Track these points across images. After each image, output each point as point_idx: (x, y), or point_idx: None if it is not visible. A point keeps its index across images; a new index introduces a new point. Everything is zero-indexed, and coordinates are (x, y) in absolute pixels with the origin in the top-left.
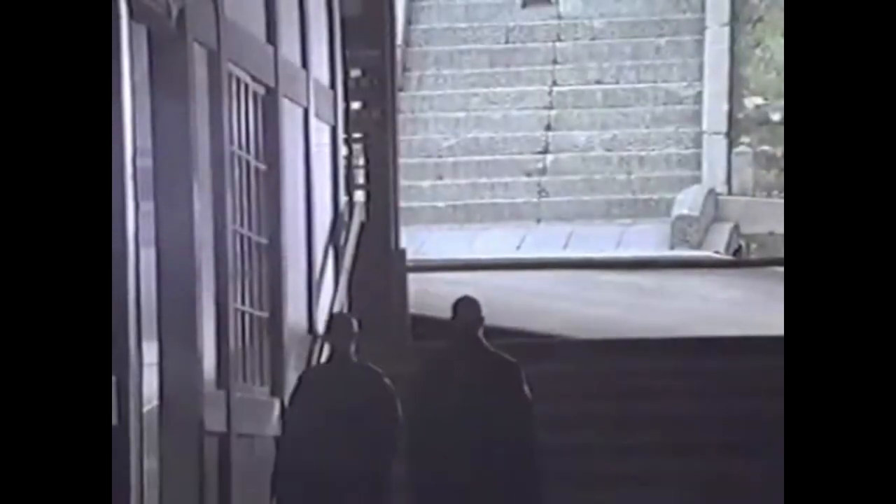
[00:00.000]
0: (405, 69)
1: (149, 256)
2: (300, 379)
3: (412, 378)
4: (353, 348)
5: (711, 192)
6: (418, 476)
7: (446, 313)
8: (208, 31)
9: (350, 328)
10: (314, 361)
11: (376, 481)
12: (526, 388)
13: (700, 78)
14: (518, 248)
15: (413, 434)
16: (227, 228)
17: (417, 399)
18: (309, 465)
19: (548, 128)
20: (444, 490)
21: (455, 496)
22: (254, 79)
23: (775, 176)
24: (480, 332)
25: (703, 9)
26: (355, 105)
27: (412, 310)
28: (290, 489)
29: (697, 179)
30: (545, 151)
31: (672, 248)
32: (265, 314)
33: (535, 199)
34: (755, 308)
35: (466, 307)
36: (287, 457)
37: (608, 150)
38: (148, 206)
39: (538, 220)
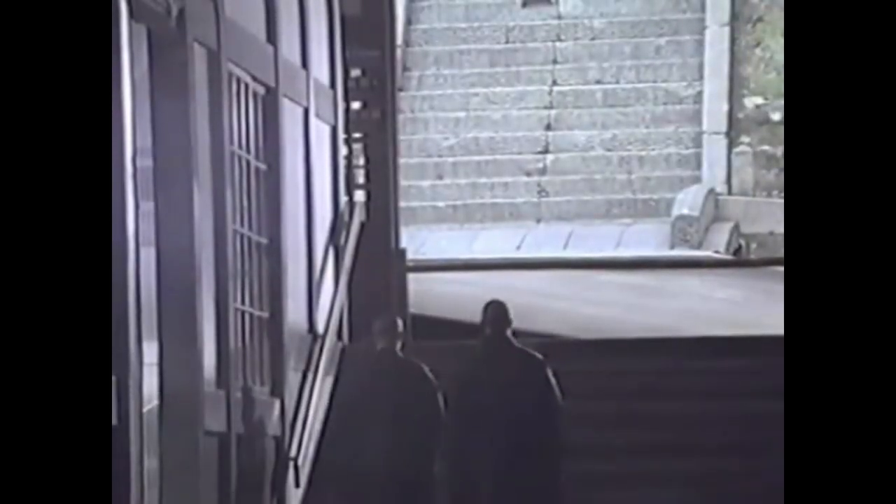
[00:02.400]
0: (405, 69)
1: (149, 256)
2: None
3: (447, 377)
4: (398, 345)
5: (711, 191)
6: (452, 469)
7: (446, 313)
8: (208, 31)
9: (396, 327)
10: (314, 361)
11: (422, 472)
12: (554, 384)
13: (700, 78)
14: (518, 248)
15: (448, 430)
16: (227, 228)
17: (451, 397)
18: (355, 458)
19: (548, 127)
20: (476, 483)
21: (486, 489)
22: (254, 79)
23: (775, 176)
24: (509, 332)
25: (703, 9)
26: (355, 105)
27: (412, 310)
28: (334, 479)
29: (697, 179)
30: (545, 151)
31: (672, 247)
32: (265, 314)
33: (535, 199)
34: (755, 308)
35: (496, 309)
36: (333, 448)
37: (608, 149)
38: (148, 206)
39: (538, 220)
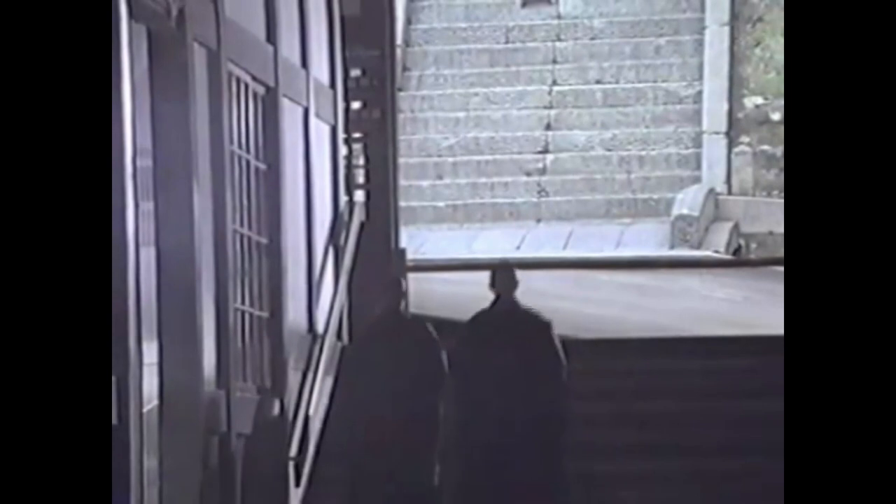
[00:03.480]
0: (405, 69)
1: (149, 256)
2: (359, 334)
3: (457, 335)
4: (403, 305)
5: (711, 191)
6: (463, 417)
7: (446, 313)
8: (208, 31)
9: (400, 287)
10: (314, 361)
11: (430, 416)
12: (559, 346)
13: (700, 77)
14: (518, 247)
15: (455, 384)
16: (227, 228)
17: (459, 355)
18: (371, 405)
19: (548, 127)
20: (484, 437)
21: (493, 443)
22: (254, 78)
23: (775, 176)
24: (515, 295)
25: (702, 8)
26: (355, 105)
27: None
28: (354, 425)
29: (697, 179)
30: (545, 151)
31: (672, 247)
32: (265, 314)
33: (534, 199)
34: (755, 308)
35: (504, 272)
36: (349, 398)
37: (608, 149)
38: (148, 206)
39: (538, 220)
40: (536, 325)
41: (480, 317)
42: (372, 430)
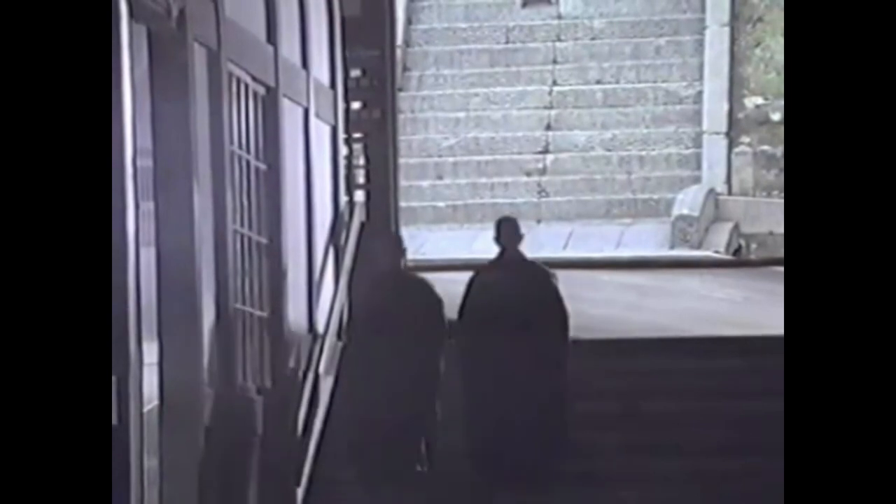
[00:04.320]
0: (405, 69)
1: (149, 256)
2: (361, 292)
3: (465, 287)
4: (403, 263)
5: (711, 191)
6: (471, 367)
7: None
8: (208, 31)
9: (400, 245)
10: (314, 361)
11: (431, 370)
12: (562, 296)
13: (700, 78)
14: None
15: (465, 338)
16: (227, 228)
17: (467, 306)
18: (372, 360)
19: (548, 127)
20: (487, 376)
21: (500, 390)
22: (254, 79)
23: (775, 176)
24: (520, 247)
25: (703, 9)
26: (355, 105)
27: None
28: (357, 378)
29: (697, 179)
30: (545, 151)
31: (672, 247)
32: (265, 314)
33: (535, 199)
34: (755, 308)
35: (508, 225)
36: (352, 353)
37: (608, 149)
38: (148, 206)
39: (538, 220)
40: (541, 277)
41: (486, 270)
42: (374, 384)
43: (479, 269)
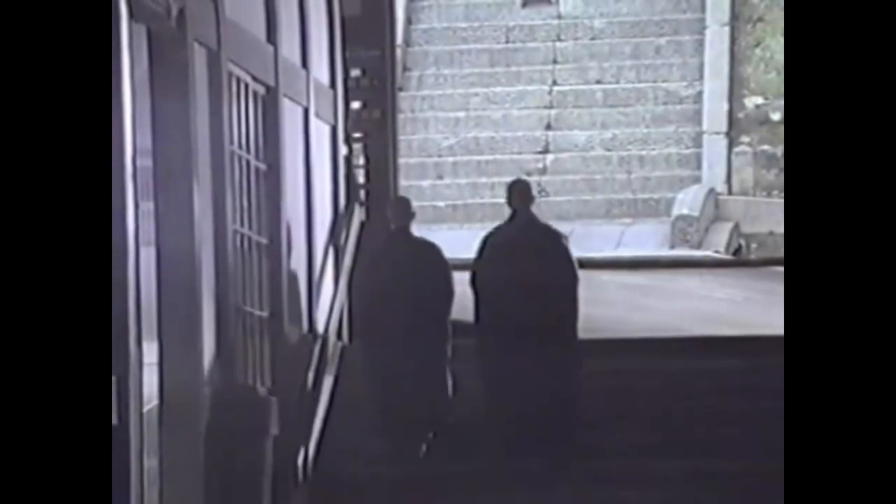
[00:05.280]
0: (405, 69)
1: (149, 256)
2: (369, 252)
3: (477, 248)
4: (411, 225)
5: (711, 191)
6: (484, 323)
7: None
8: (208, 31)
9: (409, 207)
10: (315, 361)
11: (439, 327)
12: (573, 258)
13: (700, 78)
14: None
15: (478, 295)
16: (227, 228)
17: (479, 264)
18: (382, 318)
19: (548, 127)
20: (501, 327)
21: (513, 346)
22: (254, 79)
23: (775, 176)
24: (532, 209)
25: (703, 9)
26: (355, 105)
27: None
28: (369, 339)
29: (697, 179)
30: (545, 151)
31: (672, 247)
32: (265, 314)
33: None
34: (755, 308)
35: (521, 187)
36: (363, 312)
37: (608, 149)
38: (148, 206)
39: None
40: (552, 238)
41: (499, 230)
42: (383, 342)
43: (491, 233)
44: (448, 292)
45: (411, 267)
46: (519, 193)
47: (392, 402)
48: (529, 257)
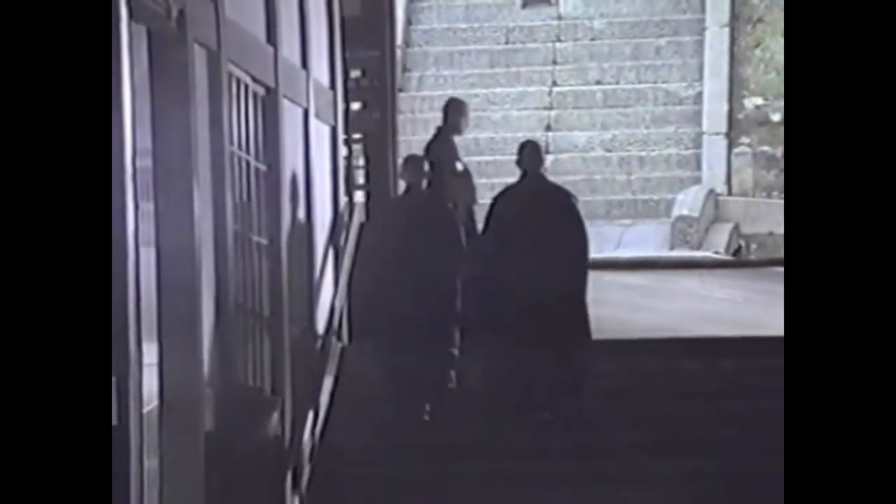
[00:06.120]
0: (405, 70)
1: (149, 256)
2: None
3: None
4: (424, 183)
5: (711, 192)
6: (495, 279)
7: None
8: (208, 31)
9: (422, 166)
10: (314, 361)
11: (449, 285)
12: (583, 218)
13: (700, 78)
14: None
15: (489, 253)
16: (227, 228)
17: (489, 215)
18: (391, 273)
19: (548, 128)
20: (515, 299)
21: (525, 304)
22: (254, 79)
23: (775, 176)
24: (542, 170)
25: (703, 9)
26: (355, 105)
27: None
28: (373, 295)
29: (697, 180)
30: (545, 152)
31: (672, 248)
32: (265, 314)
33: None
34: (755, 308)
35: (531, 148)
36: (369, 268)
37: (608, 150)
38: (148, 206)
39: None
40: (562, 198)
41: (509, 190)
42: (392, 297)
43: (502, 192)
44: (458, 248)
45: (423, 224)
46: (529, 155)
47: (399, 359)
48: (539, 219)
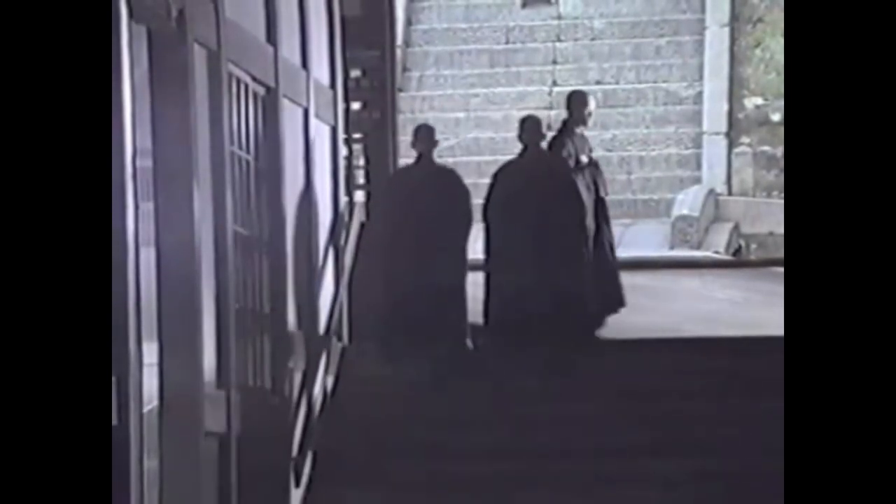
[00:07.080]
0: (405, 69)
1: (149, 256)
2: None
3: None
4: (434, 153)
5: (711, 192)
6: (497, 248)
7: None
8: (208, 31)
9: (433, 135)
10: (314, 361)
11: (459, 247)
12: (580, 190)
13: (700, 78)
14: None
15: (491, 223)
16: (227, 228)
17: (491, 187)
18: (406, 240)
19: (548, 128)
20: (508, 251)
21: (518, 249)
22: (254, 79)
23: (775, 176)
24: (543, 145)
25: (703, 9)
26: (355, 105)
27: None
28: (393, 257)
29: (697, 180)
30: None
31: (672, 248)
32: (265, 314)
33: None
34: (755, 308)
35: (531, 123)
36: (387, 230)
37: (608, 150)
38: (148, 206)
39: None
40: (560, 172)
41: (510, 165)
42: (402, 265)
43: (503, 167)
44: (467, 217)
45: (433, 191)
46: (529, 129)
47: (403, 319)
48: (539, 192)
